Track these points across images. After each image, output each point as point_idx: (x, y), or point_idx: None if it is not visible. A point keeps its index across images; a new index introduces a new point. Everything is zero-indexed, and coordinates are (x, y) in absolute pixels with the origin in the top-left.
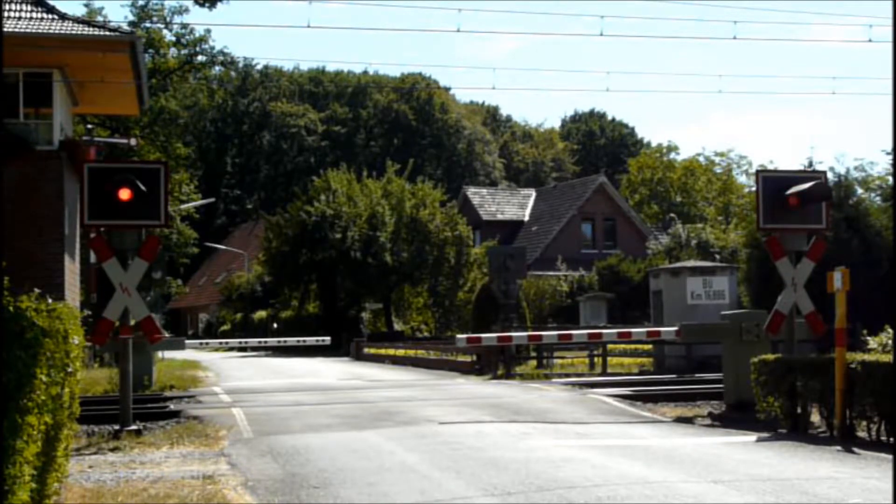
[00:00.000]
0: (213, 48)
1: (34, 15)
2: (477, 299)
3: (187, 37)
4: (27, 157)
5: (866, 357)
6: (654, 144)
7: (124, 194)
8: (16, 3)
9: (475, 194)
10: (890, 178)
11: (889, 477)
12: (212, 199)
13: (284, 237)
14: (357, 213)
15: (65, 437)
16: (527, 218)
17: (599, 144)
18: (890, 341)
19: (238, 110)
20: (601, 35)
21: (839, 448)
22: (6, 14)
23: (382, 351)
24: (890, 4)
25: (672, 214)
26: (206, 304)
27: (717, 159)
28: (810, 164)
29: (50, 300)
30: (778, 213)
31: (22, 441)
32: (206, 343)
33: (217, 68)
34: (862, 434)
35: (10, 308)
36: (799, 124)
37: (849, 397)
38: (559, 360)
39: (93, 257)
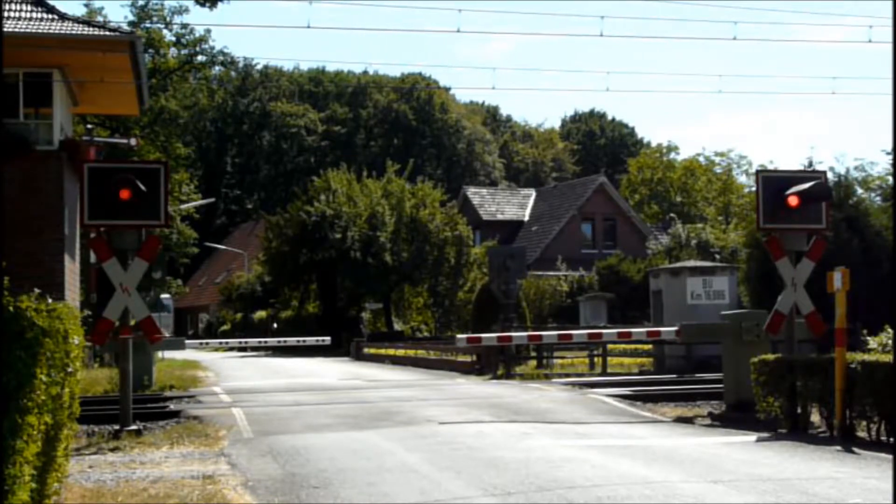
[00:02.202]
0: (213, 48)
1: (34, 15)
2: (477, 299)
3: (187, 37)
4: (27, 156)
5: (866, 357)
6: (654, 144)
7: (124, 194)
8: (16, 3)
9: (475, 194)
10: (890, 178)
11: (889, 477)
12: (212, 199)
13: (284, 237)
14: (357, 213)
15: (65, 437)
16: (527, 218)
17: (599, 144)
18: (890, 341)
19: (238, 110)
20: (601, 35)
21: (839, 448)
22: (6, 14)
23: (382, 351)
24: (890, 4)
25: (672, 214)
26: (206, 304)
27: (717, 159)
28: (810, 164)
29: (50, 300)
30: (778, 213)
31: (22, 441)
32: (206, 343)
33: (217, 68)
34: (862, 434)
35: (10, 308)
36: (799, 124)
37: (849, 397)
38: (559, 360)
39: (93, 257)
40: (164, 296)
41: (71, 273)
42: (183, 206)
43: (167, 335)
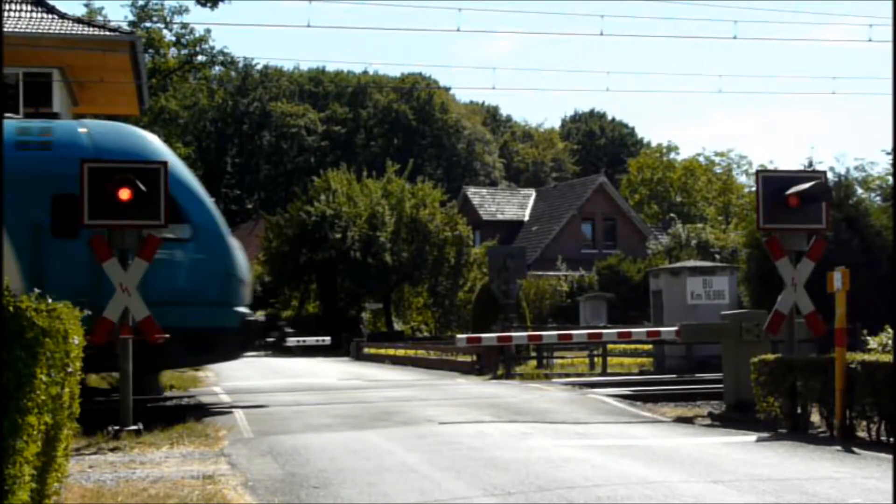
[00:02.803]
0: (213, 48)
1: (34, 15)
2: (477, 299)
3: (187, 37)
4: None
5: (866, 357)
6: (654, 144)
7: (124, 194)
8: (16, 3)
9: (475, 194)
10: (890, 178)
11: (889, 477)
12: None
13: (284, 237)
14: (357, 213)
15: (65, 437)
16: (527, 218)
17: (599, 144)
18: (890, 341)
19: (238, 110)
20: (601, 34)
21: (839, 448)
22: (6, 14)
23: (382, 351)
24: (890, 4)
25: (672, 214)
26: None
27: (717, 159)
28: (810, 164)
29: (50, 300)
30: (778, 213)
31: (22, 441)
32: None
33: (217, 68)
34: (862, 434)
35: (10, 308)
36: (799, 124)
37: (849, 397)
38: (559, 360)
39: None
40: None
41: None
42: None
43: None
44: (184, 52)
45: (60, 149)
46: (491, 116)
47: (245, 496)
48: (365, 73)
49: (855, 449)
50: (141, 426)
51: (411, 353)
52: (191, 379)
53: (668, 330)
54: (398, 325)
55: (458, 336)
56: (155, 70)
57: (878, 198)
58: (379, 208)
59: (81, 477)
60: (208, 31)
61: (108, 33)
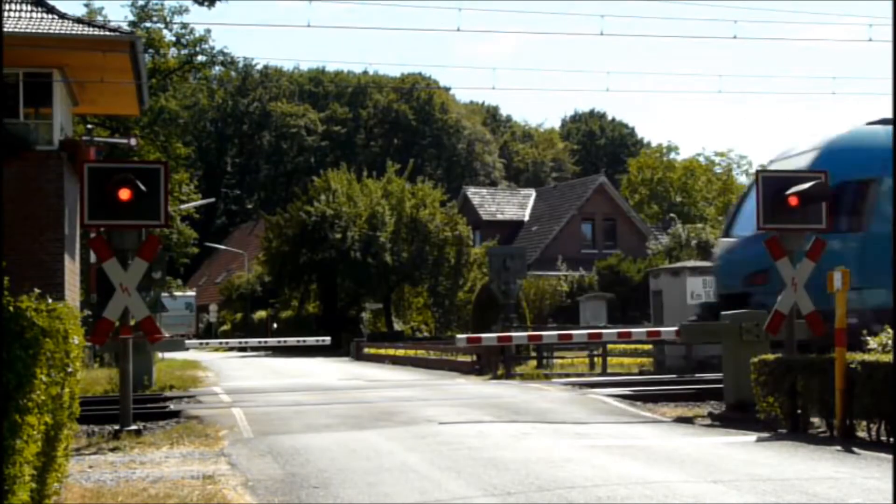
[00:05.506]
0: (213, 48)
1: (34, 15)
2: (477, 299)
3: (187, 37)
4: (27, 156)
5: (866, 357)
6: (654, 144)
7: (124, 194)
8: (16, 3)
9: (475, 194)
10: None
11: (889, 477)
12: (212, 199)
13: (284, 237)
14: (357, 213)
15: (65, 437)
16: (527, 218)
17: (599, 144)
18: (890, 341)
19: (238, 110)
20: (601, 34)
21: (839, 448)
22: (6, 14)
23: (382, 351)
24: (890, 4)
25: (672, 214)
26: (206, 304)
27: (717, 159)
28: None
29: (50, 300)
30: (778, 213)
31: (22, 441)
32: (207, 343)
33: (217, 68)
34: (862, 434)
35: (10, 308)
36: (799, 124)
37: (849, 397)
38: (559, 360)
39: (93, 257)
40: (190, 293)
41: (71, 273)
42: (183, 206)
43: (166, 335)
44: (184, 52)
45: None
46: (491, 116)
47: (245, 496)
48: (365, 73)
49: (855, 449)
50: (141, 426)
51: (411, 353)
52: (191, 379)
53: (668, 330)
54: (398, 326)
55: (458, 336)
56: (155, 70)
57: None
58: (379, 208)
59: (81, 477)
60: (208, 31)
61: (108, 33)
